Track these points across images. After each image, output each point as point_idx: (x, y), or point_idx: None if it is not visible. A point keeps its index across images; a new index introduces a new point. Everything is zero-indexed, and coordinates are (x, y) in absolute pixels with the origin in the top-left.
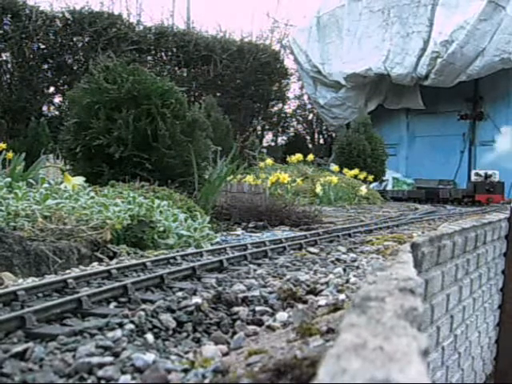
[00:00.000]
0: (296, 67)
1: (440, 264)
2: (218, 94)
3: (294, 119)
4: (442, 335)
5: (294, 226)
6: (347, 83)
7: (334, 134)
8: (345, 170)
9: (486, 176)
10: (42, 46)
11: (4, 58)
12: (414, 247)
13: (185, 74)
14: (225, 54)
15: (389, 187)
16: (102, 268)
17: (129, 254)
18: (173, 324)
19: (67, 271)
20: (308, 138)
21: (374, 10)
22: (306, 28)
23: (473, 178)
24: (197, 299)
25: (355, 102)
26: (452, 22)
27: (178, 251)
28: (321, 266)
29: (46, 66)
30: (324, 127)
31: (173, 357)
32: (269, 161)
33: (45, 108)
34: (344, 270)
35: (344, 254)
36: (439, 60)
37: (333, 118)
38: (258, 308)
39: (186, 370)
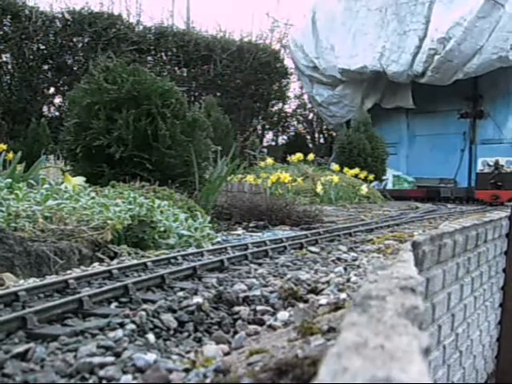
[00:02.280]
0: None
1: (441, 262)
2: (218, 94)
3: (294, 119)
4: (443, 334)
5: (295, 226)
6: (343, 78)
7: (334, 133)
8: (345, 170)
9: (497, 166)
10: (42, 47)
11: (4, 59)
12: (415, 246)
13: (185, 74)
14: (225, 53)
15: (389, 186)
16: (103, 268)
17: (130, 254)
18: (174, 324)
19: (68, 272)
20: (308, 137)
21: (371, 7)
22: (303, 25)
23: (479, 168)
24: (198, 299)
25: (352, 100)
26: (449, 18)
27: (178, 251)
28: (322, 265)
29: (46, 67)
30: (324, 126)
31: (174, 356)
32: (269, 160)
33: (45, 109)
34: (345, 269)
35: (345, 253)
36: (436, 57)
37: (330, 117)
38: (259, 307)
39: (187, 370)
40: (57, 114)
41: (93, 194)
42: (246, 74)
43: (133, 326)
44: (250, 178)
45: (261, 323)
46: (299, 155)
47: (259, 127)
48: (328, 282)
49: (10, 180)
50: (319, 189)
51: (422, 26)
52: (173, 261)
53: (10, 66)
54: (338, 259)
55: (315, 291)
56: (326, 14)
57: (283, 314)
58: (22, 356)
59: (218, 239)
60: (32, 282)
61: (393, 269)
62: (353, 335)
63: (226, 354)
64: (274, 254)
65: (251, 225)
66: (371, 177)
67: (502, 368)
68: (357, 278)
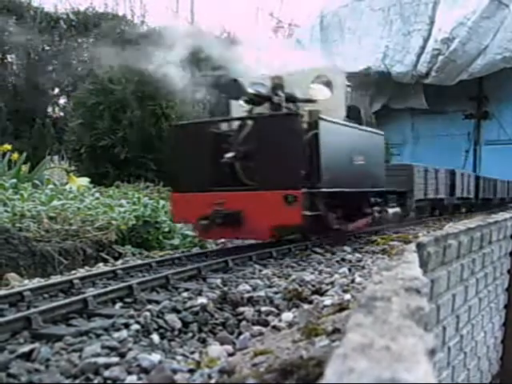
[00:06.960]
0: None
1: (446, 264)
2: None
3: None
4: (447, 335)
5: None
6: (350, 83)
7: None
8: None
9: (290, 97)
10: (47, 48)
11: (9, 59)
12: (420, 247)
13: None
14: None
15: None
16: (108, 268)
17: (134, 254)
18: (178, 324)
19: (73, 272)
20: None
21: (375, 8)
22: (309, 28)
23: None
24: (202, 299)
25: (360, 103)
26: (453, 18)
27: (183, 251)
28: (326, 266)
29: (50, 68)
30: None
31: (178, 357)
32: None
33: (50, 109)
34: (349, 269)
35: (349, 254)
36: (441, 57)
37: None
38: (263, 308)
39: (191, 371)
40: (61, 114)
41: (97, 195)
42: None
43: (137, 327)
44: None
45: (265, 324)
46: None
47: None
48: (332, 283)
49: (15, 180)
50: None
51: (426, 27)
52: (177, 261)
53: (15, 67)
54: (343, 260)
55: (319, 292)
56: (334, 19)
57: (287, 315)
58: (27, 356)
59: (222, 240)
60: (37, 281)
61: (398, 270)
62: (358, 336)
63: (231, 354)
64: (278, 255)
65: None
66: None
67: (506, 369)
68: (361, 279)
